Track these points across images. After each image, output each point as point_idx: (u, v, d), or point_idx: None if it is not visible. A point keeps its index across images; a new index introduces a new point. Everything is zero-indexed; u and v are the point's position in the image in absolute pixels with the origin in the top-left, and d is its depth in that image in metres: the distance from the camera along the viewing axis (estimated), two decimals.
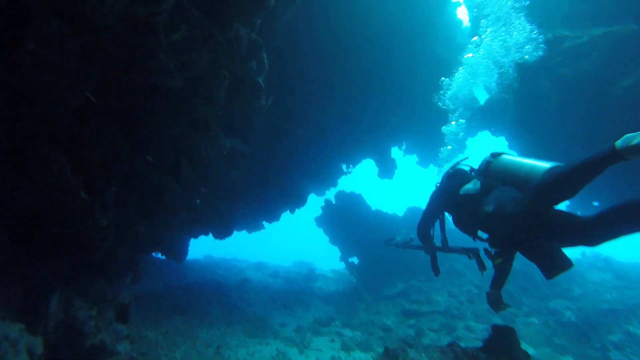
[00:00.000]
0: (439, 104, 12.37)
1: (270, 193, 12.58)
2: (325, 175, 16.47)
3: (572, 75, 8.65)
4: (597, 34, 8.16)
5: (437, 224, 3.87)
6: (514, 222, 2.68)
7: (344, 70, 12.63)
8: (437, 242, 3.94)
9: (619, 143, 2.12)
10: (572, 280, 15.31)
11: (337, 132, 14.21)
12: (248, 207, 11.89)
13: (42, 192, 3.76)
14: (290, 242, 75.02)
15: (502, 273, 3.43)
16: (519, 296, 13.88)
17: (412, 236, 4.38)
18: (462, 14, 22.62)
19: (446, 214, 3.75)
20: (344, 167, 18.72)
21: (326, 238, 21.88)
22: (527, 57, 8.61)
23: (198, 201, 7.86)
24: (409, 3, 12.97)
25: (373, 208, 20.77)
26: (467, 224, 3.30)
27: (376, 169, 20.28)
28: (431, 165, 21.55)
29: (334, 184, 19.78)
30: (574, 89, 8.83)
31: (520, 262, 14.36)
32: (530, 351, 11.23)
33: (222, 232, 10.24)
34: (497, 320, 12.37)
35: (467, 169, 3.69)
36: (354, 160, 18.00)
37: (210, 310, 11.67)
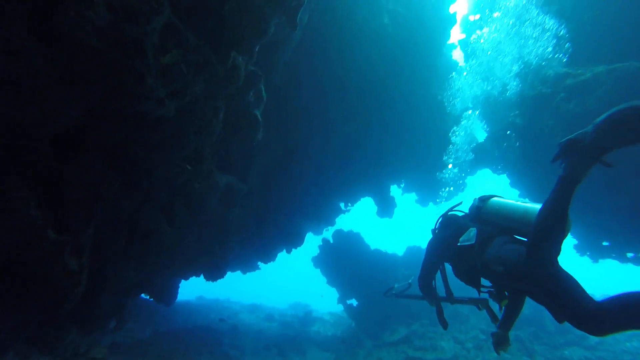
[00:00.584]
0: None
1: (266, 232, 12.05)
2: (323, 214, 16.01)
3: (577, 111, 8.54)
4: (600, 71, 8.13)
5: (439, 275, 3.67)
6: (527, 283, 2.56)
7: (345, 109, 12.58)
8: (441, 292, 3.67)
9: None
10: None
11: (336, 170, 13.93)
12: (242, 247, 11.33)
13: (4, 230, 3.30)
14: (286, 282, 72.88)
15: (511, 313, 3.18)
16: (530, 343, 13.06)
17: (409, 282, 4.20)
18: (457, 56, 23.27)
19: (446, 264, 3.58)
20: (342, 205, 18.30)
21: (324, 278, 21.02)
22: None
23: None
24: (409, 46, 13.19)
25: (372, 247, 20.14)
26: (469, 276, 3.14)
27: (375, 208, 19.89)
28: (431, 204, 21.21)
29: (332, 223, 19.25)
30: (579, 126, 8.65)
31: (530, 307, 13.64)
32: None
33: (214, 273, 9.63)
34: None
35: (460, 214, 3.58)
36: (352, 199, 17.62)
37: None
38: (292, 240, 12.87)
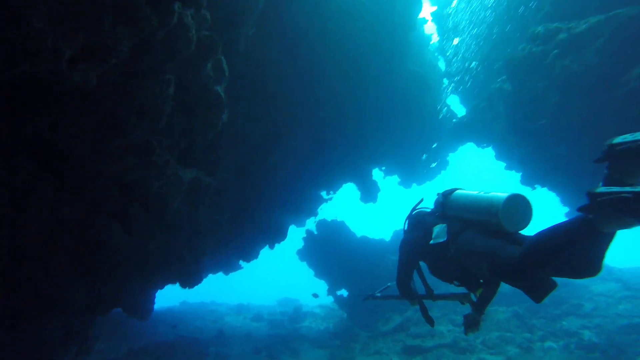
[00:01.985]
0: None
1: (242, 231, 11.03)
2: (304, 205, 15.09)
3: (575, 69, 7.84)
4: (597, 20, 7.42)
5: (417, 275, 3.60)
6: (515, 278, 2.46)
7: (317, 92, 11.60)
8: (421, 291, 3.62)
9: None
10: (578, 294, 14.32)
11: (314, 158, 12.99)
12: (217, 249, 10.27)
13: None
14: (273, 278, 71.77)
15: (487, 297, 3.12)
16: (529, 319, 12.65)
17: (388, 284, 4.15)
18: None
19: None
20: (323, 194, 17.41)
21: (311, 271, 20.19)
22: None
23: None
24: (380, 21, 12.24)
25: (358, 235, 19.41)
26: (445, 273, 3.06)
27: (357, 194, 19.12)
28: (414, 185, 20.62)
29: (314, 213, 18.37)
30: (576, 84, 8.01)
31: None
32: None
33: (189, 280, 8.59)
34: (511, 349, 11.06)
35: (427, 211, 3.49)
36: (334, 186, 16.75)
37: None
38: (274, 235, 11.90)
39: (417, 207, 3.53)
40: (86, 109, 3.82)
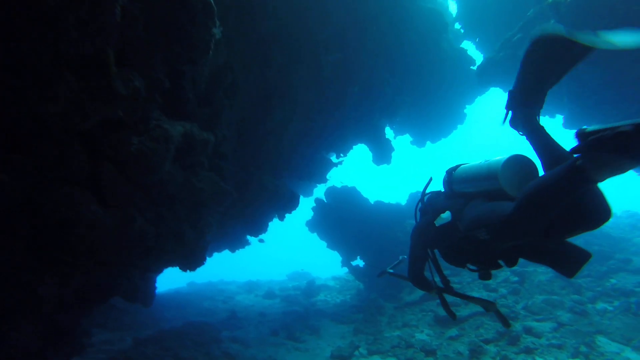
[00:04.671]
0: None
1: (251, 200, 9.54)
2: (314, 169, 13.54)
3: None
4: None
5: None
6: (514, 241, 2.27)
7: (328, 34, 9.78)
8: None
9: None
10: (621, 248, 13.08)
11: (325, 114, 11.32)
12: (224, 222, 8.84)
13: None
14: (281, 254, 71.15)
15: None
16: (575, 278, 11.38)
17: (400, 257, 3.86)
18: None
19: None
20: (333, 158, 15.85)
21: (321, 243, 18.93)
22: None
23: None
24: None
25: (372, 200, 18.00)
26: (455, 256, 2.78)
27: (367, 159, 17.55)
28: (428, 143, 19.04)
29: (323, 180, 16.89)
30: None
31: None
32: (633, 355, 8.65)
33: (192, 261, 7.21)
34: (563, 314, 9.84)
35: (436, 193, 3.22)
36: (345, 147, 15.14)
37: None
38: (285, 203, 10.44)
39: (427, 190, 3.30)
40: None
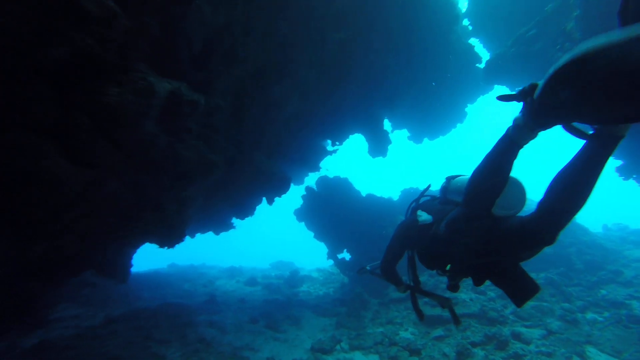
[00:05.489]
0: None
1: (240, 178, 8.99)
2: (308, 154, 13.03)
3: None
4: None
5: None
6: (464, 237, 2.37)
7: (335, 10, 9.20)
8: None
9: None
10: (612, 260, 12.88)
11: (324, 95, 10.78)
12: (209, 200, 8.29)
13: None
14: (266, 241, 70.60)
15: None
16: (565, 286, 11.16)
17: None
18: None
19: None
20: (328, 145, 15.35)
21: (307, 234, 18.47)
22: None
23: None
24: None
25: (363, 193, 17.56)
26: (430, 258, 2.83)
27: (362, 152, 17.11)
28: (426, 139, 18.66)
29: (317, 168, 16.38)
30: None
31: (553, 246, 11.35)
32: None
33: (170, 236, 6.65)
34: (552, 321, 9.57)
35: (432, 197, 3.35)
36: (341, 136, 14.63)
37: (165, 354, 7.99)
38: (277, 185, 9.91)
39: (424, 194, 3.40)
40: None
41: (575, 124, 1.79)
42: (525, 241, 2.12)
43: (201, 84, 6.48)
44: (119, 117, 4.21)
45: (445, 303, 3.11)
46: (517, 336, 9.05)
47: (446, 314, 10.83)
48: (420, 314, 3.29)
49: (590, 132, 1.72)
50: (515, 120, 1.93)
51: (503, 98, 1.94)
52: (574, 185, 1.80)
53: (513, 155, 2.01)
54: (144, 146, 4.99)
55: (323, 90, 10.53)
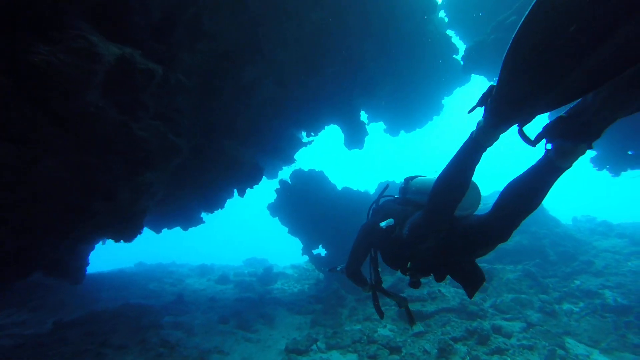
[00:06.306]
0: None
1: (208, 167, 8.24)
2: (283, 144, 12.37)
3: None
4: None
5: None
6: (427, 240, 2.46)
7: None
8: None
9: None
10: (583, 251, 13.02)
11: (300, 81, 10.15)
12: (172, 189, 7.51)
13: None
14: (239, 239, 69.02)
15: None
16: (542, 277, 11.08)
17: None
18: None
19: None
20: (303, 136, 14.74)
21: (281, 229, 17.84)
22: None
23: None
24: None
25: (339, 187, 17.07)
26: (393, 259, 2.88)
27: (337, 141, 16.61)
28: (402, 132, 18.38)
29: (291, 160, 15.75)
30: None
31: (529, 237, 11.01)
32: (602, 358, 8.27)
33: (125, 229, 5.83)
34: (532, 314, 9.41)
35: (392, 198, 3.35)
36: (317, 126, 14.05)
37: None
38: (248, 175, 9.20)
39: (384, 195, 3.44)
40: None
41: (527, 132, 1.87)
42: (483, 240, 2.24)
43: (161, 57, 5.73)
44: (49, 81, 3.45)
45: (402, 302, 3.16)
46: (497, 330, 8.81)
47: (425, 309, 10.53)
48: (380, 313, 3.37)
49: (547, 146, 1.81)
50: (478, 124, 2.03)
51: (471, 110, 2.07)
52: (526, 195, 1.93)
53: (478, 157, 2.09)
54: (87, 121, 4.22)
55: (300, 75, 9.90)
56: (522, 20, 1.36)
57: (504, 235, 2.11)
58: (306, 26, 8.76)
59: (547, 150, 1.81)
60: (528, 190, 1.92)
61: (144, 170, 5.42)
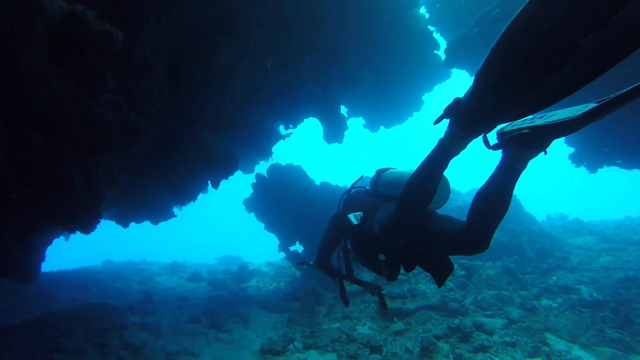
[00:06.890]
0: None
1: (179, 155, 7.61)
2: (257, 137, 11.82)
3: None
4: None
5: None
6: (398, 241, 2.46)
7: None
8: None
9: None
10: (558, 247, 13.14)
11: (277, 65, 9.63)
12: (138, 176, 6.85)
13: None
14: (212, 235, 67.27)
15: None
16: (521, 274, 11.03)
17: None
18: None
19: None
20: (281, 129, 14.20)
21: (257, 225, 17.24)
22: None
23: None
24: None
25: (317, 182, 16.62)
26: (363, 253, 2.96)
27: (316, 136, 16.19)
28: (382, 128, 18.13)
29: (268, 153, 15.19)
30: None
31: (507, 234, 10.93)
32: (582, 354, 8.22)
33: (79, 220, 5.15)
34: (513, 310, 9.28)
35: (363, 190, 3.35)
36: (296, 118, 13.54)
37: None
38: (222, 165, 8.60)
39: (355, 186, 3.41)
40: None
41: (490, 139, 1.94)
42: (460, 250, 2.27)
43: (123, 26, 5.08)
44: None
45: (374, 290, 3.13)
46: (479, 327, 8.62)
47: (405, 306, 10.26)
48: (346, 301, 3.31)
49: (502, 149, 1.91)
50: (446, 133, 2.05)
51: (437, 121, 2.06)
52: (493, 202, 1.99)
53: (446, 164, 2.14)
54: (25, 86, 3.57)
55: (277, 58, 9.37)
56: (495, 41, 1.42)
57: (483, 247, 2.13)
58: (283, 8, 8.25)
59: (503, 154, 1.91)
60: (494, 194, 1.98)
61: (101, 152, 4.77)
